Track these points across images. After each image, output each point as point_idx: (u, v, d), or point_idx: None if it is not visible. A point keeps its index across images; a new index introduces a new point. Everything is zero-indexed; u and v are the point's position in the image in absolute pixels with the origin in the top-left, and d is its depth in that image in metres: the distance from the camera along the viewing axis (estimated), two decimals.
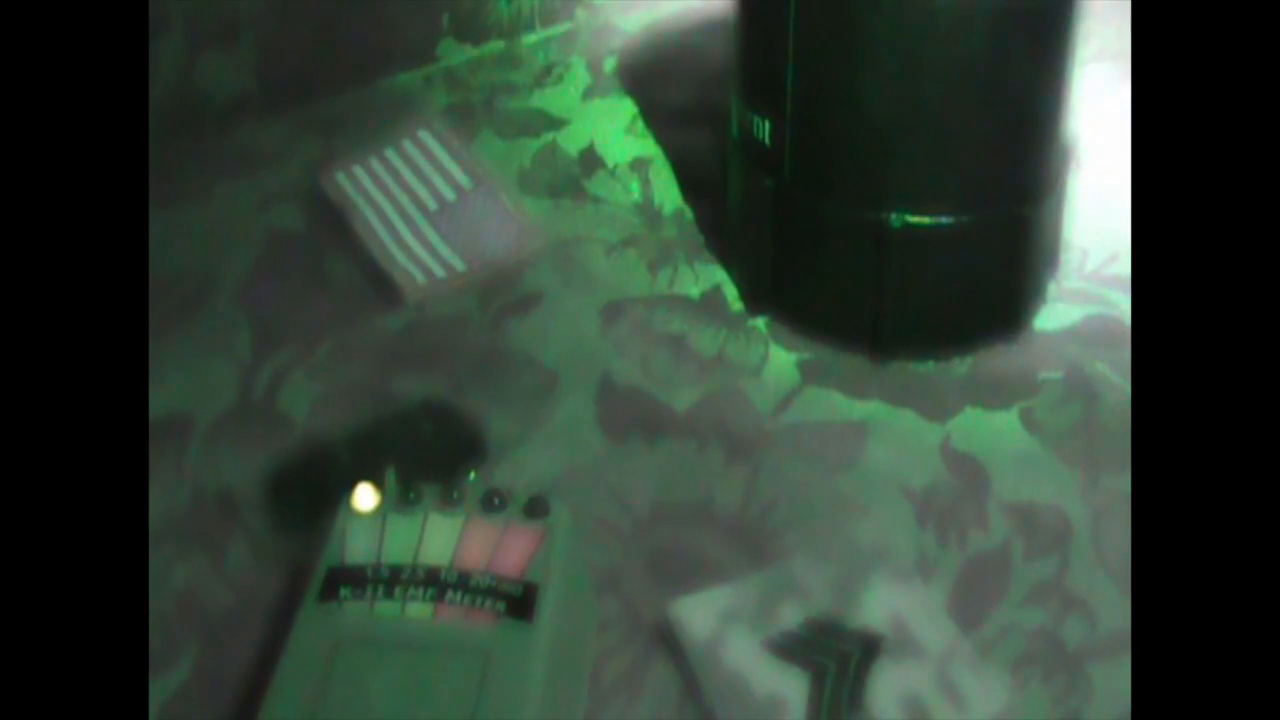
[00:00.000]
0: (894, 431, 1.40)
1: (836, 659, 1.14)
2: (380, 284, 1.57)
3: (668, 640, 1.18)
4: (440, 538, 1.09)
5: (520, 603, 1.04)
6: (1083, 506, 1.31)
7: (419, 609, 1.04)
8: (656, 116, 1.86)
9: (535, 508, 1.11)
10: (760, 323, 1.53)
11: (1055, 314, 1.53)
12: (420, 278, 1.58)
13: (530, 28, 2.03)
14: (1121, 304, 1.53)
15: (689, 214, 1.69)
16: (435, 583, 1.06)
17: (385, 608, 1.05)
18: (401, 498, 1.12)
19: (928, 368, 1.47)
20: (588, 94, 1.92)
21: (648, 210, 1.70)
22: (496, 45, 2.01)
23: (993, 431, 1.40)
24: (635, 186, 1.74)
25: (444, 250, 1.61)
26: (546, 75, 1.96)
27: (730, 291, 1.57)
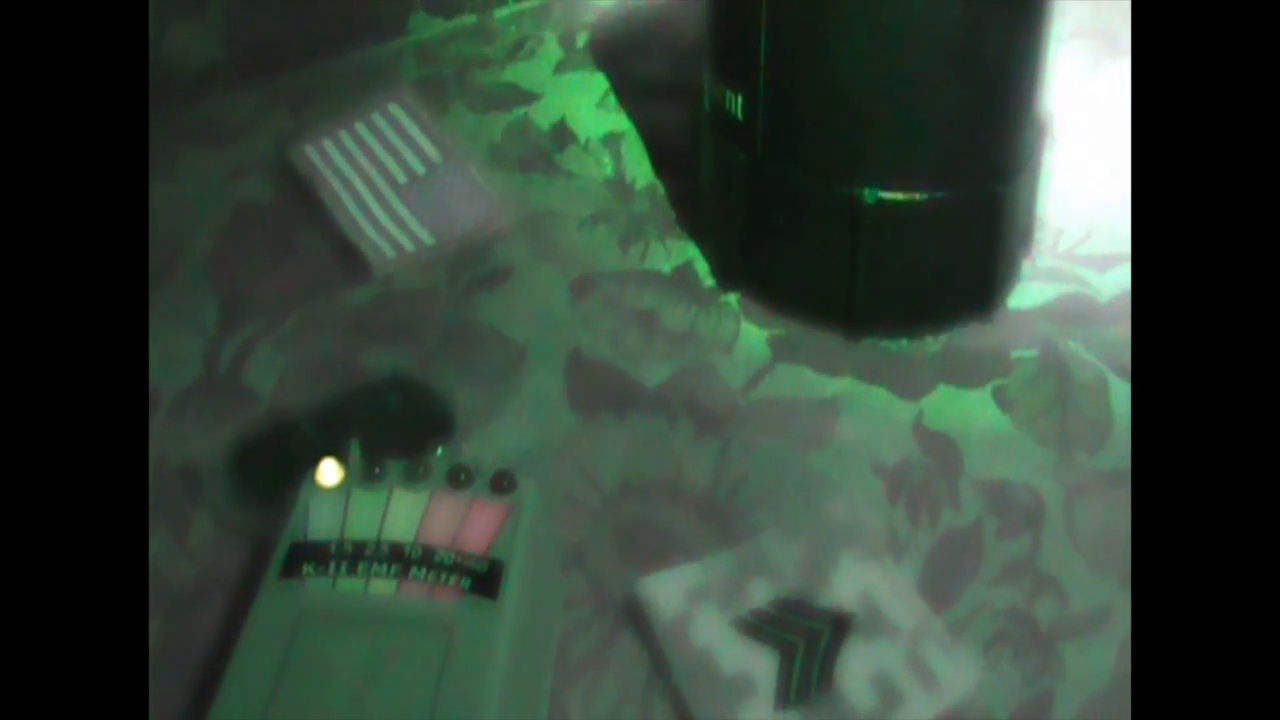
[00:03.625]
0: (866, 409, 1.39)
1: (806, 637, 1.13)
2: (348, 257, 1.56)
3: (635, 617, 1.17)
4: (405, 513, 1.08)
5: (485, 579, 1.03)
6: (1055, 485, 1.31)
7: (382, 585, 1.03)
8: (629, 91, 1.85)
9: (501, 483, 1.10)
10: (732, 298, 1.52)
11: (1029, 292, 1.52)
12: (389, 251, 1.56)
13: (503, 1, 2.02)
14: (1095, 282, 1.53)
15: (661, 189, 1.68)
16: (399, 559, 1.04)
17: (348, 584, 1.03)
18: (366, 473, 1.11)
19: (900, 345, 1.47)
20: (560, 68, 1.91)
21: (619, 185, 1.69)
22: (468, 19, 2.00)
23: (965, 409, 1.39)
24: (607, 161, 1.73)
25: (413, 224, 1.59)
26: (518, 49, 1.94)
27: (702, 267, 1.56)
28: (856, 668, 1.11)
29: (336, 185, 1.63)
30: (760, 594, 1.17)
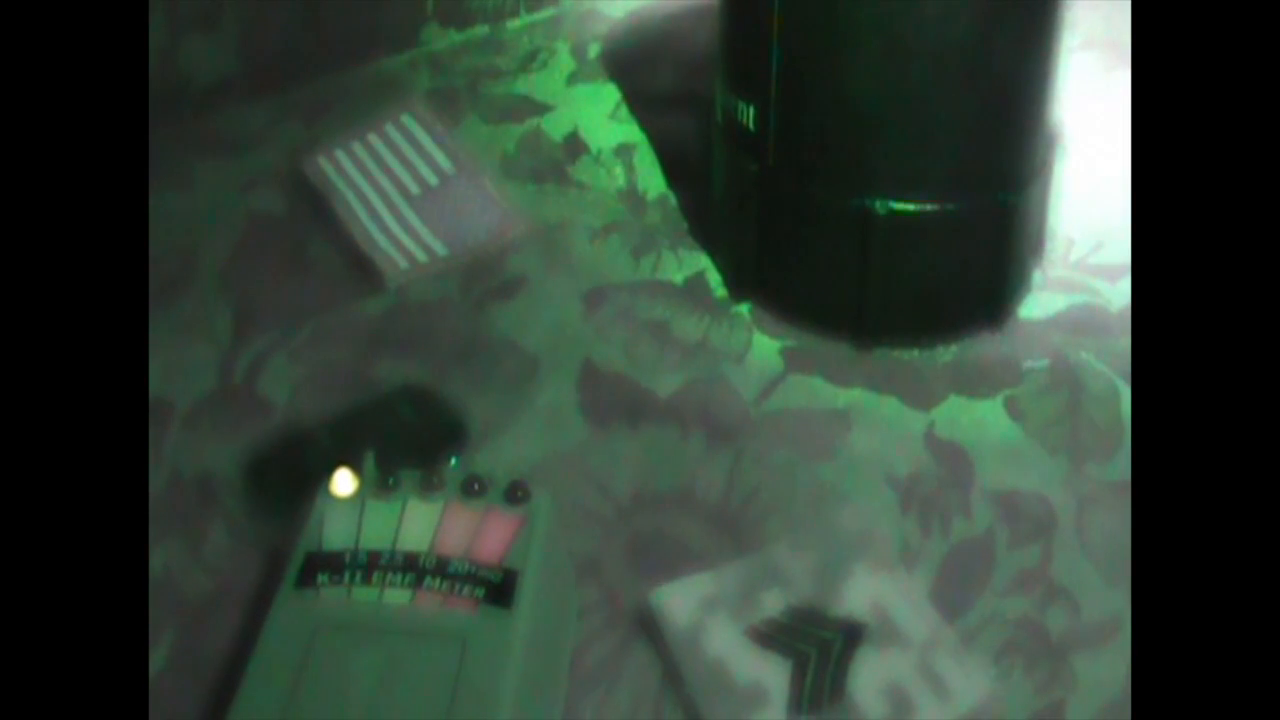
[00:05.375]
0: (877, 419, 1.39)
1: (818, 647, 1.13)
2: (362, 268, 1.57)
3: (648, 627, 1.17)
4: (419, 523, 1.08)
5: (499, 589, 1.03)
6: (1066, 495, 1.31)
7: (397, 595, 1.04)
8: (641, 102, 1.85)
9: (515, 494, 1.10)
10: (744, 309, 1.52)
11: (1040, 302, 1.52)
12: (402, 262, 1.57)
13: (515, 13, 2.03)
14: (1106, 292, 1.53)
15: (672, 200, 1.69)
16: (414, 569, 1.05)
17: (363, 594, 1.04)
18: (380, 483, 1.11)
19: (912, 355, 1.47)
20: (572, 79, 1.91)
21: (631, 196, 1.69)
22: (481, 30, 2.01)
23: (977, 420, 1.39)
24: (619, 172, 1.73)
25: (426, 235, 1.60)
26: (531, 60, 1.95)
27: (714, 277, 1.57)
28: (868, 677, 1.11)
29: (350, 196, 1.63)
30: (772, 603, 1.17)
